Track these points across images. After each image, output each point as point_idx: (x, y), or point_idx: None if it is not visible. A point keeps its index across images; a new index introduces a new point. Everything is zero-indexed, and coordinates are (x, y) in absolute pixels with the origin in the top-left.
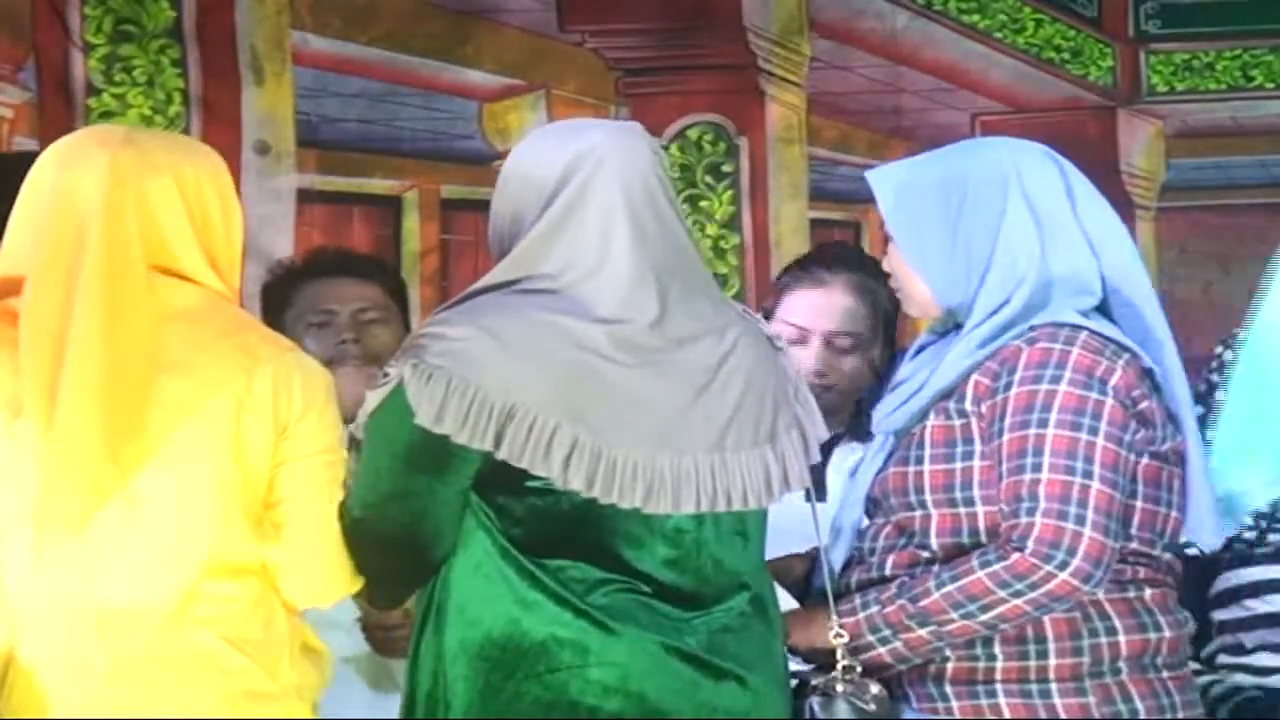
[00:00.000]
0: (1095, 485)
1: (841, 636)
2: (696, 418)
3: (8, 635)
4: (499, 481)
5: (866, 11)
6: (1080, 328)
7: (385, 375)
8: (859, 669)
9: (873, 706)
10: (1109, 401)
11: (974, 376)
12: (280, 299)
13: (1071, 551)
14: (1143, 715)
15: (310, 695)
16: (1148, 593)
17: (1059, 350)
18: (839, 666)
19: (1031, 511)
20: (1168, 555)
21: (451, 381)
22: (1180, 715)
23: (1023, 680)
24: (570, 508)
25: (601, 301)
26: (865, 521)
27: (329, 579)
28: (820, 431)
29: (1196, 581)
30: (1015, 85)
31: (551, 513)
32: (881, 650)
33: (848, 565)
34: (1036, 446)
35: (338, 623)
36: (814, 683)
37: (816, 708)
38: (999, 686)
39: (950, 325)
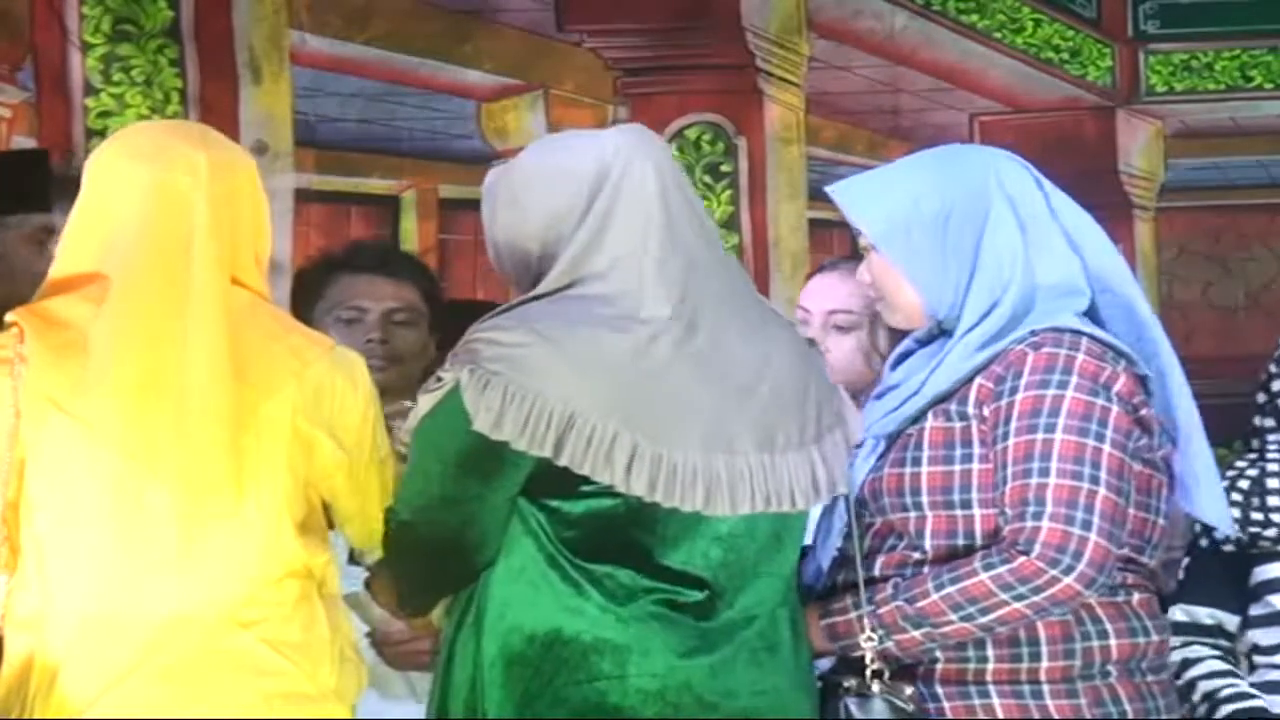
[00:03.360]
0: (1102, 491)
1: (872, 640)
2: (744, 418)
3: (30, 641)
4: (554, 485)
5: (865, 11)
6: (1081, 333)
7: (438, 380)
8: (888, 671)
9: (911, 707)
10: (1114, 408)
11: (977, 380)
12: (313, 288)
13: (1077, 556)
14: (1131, 717)
15: (350, 699)
16: (1135, 598)
17: (1064, 355)
18: (869, 669)
19: (1038, 515)
20: (1152, 562)
21: (509, 388)
22: (1164, 718)
23: (1014, 681)
24: (626, 510)
25: (644, 302)
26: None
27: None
28: (856, 435)
29: (1237, 575)
30: (1014, 85)
31: (607, 514)
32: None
33: (833, 566)
34: (1044, 451)
35: None
36: (847, 684)
37: (853, 708)
38: (991, 687)
39: (936, 333)
